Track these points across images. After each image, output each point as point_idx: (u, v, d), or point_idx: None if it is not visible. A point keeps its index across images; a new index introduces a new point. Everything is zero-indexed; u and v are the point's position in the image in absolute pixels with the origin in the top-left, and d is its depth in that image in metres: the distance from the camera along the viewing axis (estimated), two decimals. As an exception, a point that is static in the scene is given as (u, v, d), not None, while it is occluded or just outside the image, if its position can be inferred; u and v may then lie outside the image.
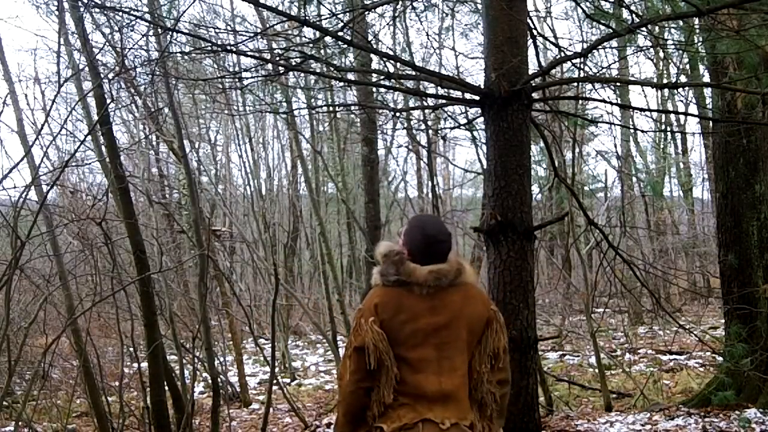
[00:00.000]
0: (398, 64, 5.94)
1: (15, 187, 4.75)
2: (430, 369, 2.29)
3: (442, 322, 2.30)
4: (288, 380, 11.14)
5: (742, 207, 5.86)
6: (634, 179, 15.80)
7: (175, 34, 4.79)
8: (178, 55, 5.52)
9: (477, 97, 4.37)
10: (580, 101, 7.88)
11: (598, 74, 5.90)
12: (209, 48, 4.72)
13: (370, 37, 6.73)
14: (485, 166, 4.54)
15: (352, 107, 8.11)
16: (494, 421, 2.44)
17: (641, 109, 5.99)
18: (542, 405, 6.37)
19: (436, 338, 2.30)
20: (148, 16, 5.22)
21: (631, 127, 12.02)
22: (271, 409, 6.92)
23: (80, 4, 5.16)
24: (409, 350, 2.29)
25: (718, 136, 6.04)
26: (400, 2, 6.40)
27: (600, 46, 4.86)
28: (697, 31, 5.35)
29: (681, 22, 5.49)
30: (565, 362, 10.55)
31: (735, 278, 5.87)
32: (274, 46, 6.17)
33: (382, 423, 2.31)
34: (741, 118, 5.59)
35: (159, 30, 5.32)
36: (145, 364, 5.69)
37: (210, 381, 6.12)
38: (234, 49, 4.47)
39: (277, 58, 4.99)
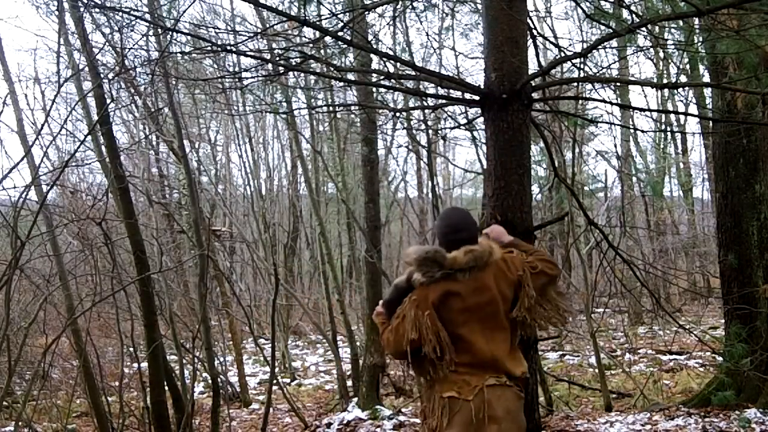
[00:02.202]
0: (398, 64, 5.93)
1: (15, 187, 4.76)
2: (480, 340, 2.72)
3: (484, 300, 2.72)
4: (288, 380, 11.14)
5: (742, 207, 5.85)
6: (634, 179, 15.80)
7: (175, 34, 4.78)
8: (178, 55, 5.51)
9: (477, 97, 4.36)
10: (580, 101, 7.87)
11: (598, 74, 5.89)
12: (209, 48, 4.71)
13: (370, 37, 6.72)
14: (485, 166, 4.53)
15: (352, 107, 8.10)
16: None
17: (641, 109, 5.97)
18: (542, 405, 6.37)
19: (480, 313, 2.72)
20: (148, 16, 5.21)
21: (631, 127, 12.02)
22: (271, 409, 6.92)
23: (80, 4, 5.16)
24: (460, 327, 2.71)
25: (718, 136, 6.04)
26: (400, 2, 6.40)
27: (600, 46, 4.84)
28: (697, 31, 5.35)
29: (681, 22, 5.49)
30: (565, 362, 10.56)
31: (735, 278, 5.87)
32: (274, 46, 6.17)
33: (450, 391, 2.70)
34: (741, 118, 5.58)
35: (159, 30, 5.32)
36: (145, 364, 5.69)
37: (210, 381, 6.12)
38: (234, 49, 4.47)
39: (277, 58, 4.99)
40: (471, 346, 2.71)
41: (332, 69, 5.01)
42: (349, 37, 4.88)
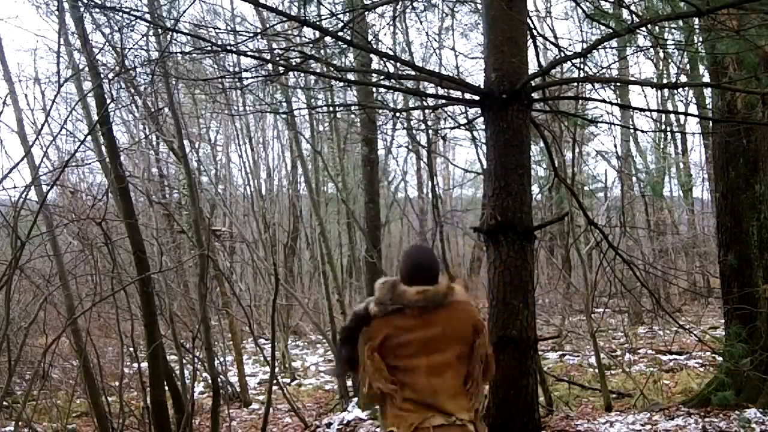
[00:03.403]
0: (398, 64, 5.93)
1: (15, 187, 4.76)
2: (421, 376, 2.65)
3: (431, 335, 2.66)
4: (288, 380, 11.14)
5: (742, 207, 5.85)
6: (634, 179, 15.80)
7: (175, 34, 4.79)
8: (178, 55, 5.51)
9: (477, 97, 4.37)
10: (580, 101, 7.88)
11: (598, 74, 5.89)
12: (209, 48, 4.72)
13: (370, 37, 6.72)
14: (485, 166, 4.54)
15: (352, 107, 8.11)
16: (478, 415, 2.77)
17: (641, 109, 5.98)
18: (542, 405, 6.37)
19: (426, 349, 2.65)
20: (148, 16, 5.22)
21: (631, 127, 12.02)
22: (271, 409, 6.92)
23: (80, 4, 5.17)
24: (404, 359, 2.66)
25: (718, 136, 6.03)
26: (400, 2, 6.40)
27: (600, 46, 4.85)
28: (697, 31, 5.35)
29: (681, 22, 5.49)
30: (565, 362, 10.55)
31: (735, 278, 5.87)
32: (274, 46, 6.17)
33: (392, 426, 2.66)
34: (741, 118, 5.58)
35: (159, 30, 5.32)
36: (145, 364, 5.70)
37: (210, 381, 6.12)
38: (234, 49, 4.47)
39: (277, 58, 4.99)
40: (412, 379, 2.65)
41: (332, 69, 5.01)
42: (349, 37, 4.89)
